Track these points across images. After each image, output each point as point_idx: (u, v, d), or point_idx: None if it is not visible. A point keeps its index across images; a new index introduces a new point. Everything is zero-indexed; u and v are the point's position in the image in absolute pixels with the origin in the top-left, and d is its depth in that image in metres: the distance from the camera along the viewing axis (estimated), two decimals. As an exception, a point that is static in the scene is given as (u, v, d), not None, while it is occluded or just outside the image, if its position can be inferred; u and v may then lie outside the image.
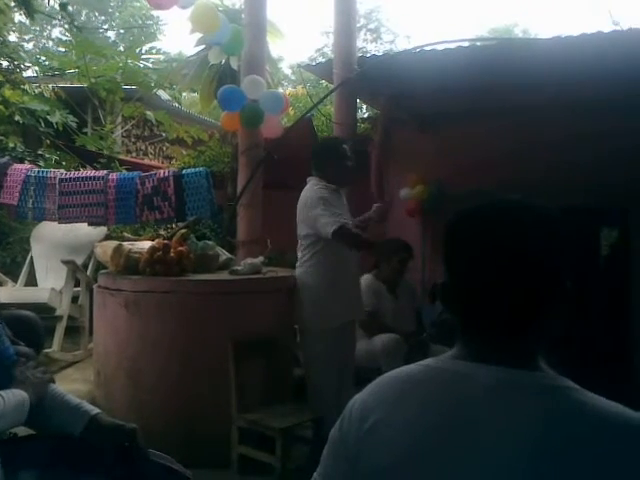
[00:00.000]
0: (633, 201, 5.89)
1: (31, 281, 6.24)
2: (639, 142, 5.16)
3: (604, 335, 6.29)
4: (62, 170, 6.09)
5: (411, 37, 28.07)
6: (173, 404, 3.75)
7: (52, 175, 5.47)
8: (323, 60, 9.26)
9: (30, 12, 6.60)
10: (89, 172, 5.89)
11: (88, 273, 6.05)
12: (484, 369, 0.97)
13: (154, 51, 10.17)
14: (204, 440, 3.62)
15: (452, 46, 5.17)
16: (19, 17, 9.20)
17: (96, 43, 9.81)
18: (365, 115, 9.63)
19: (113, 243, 4.45)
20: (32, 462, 1.68)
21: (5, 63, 8.37)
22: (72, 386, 4.70)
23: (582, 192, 5.59)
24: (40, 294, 5.61)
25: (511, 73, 4.90)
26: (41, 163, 7.45)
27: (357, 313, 4.02)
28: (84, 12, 25.85)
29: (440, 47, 5.17)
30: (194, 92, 11.41)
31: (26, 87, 8.18)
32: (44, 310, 5.18)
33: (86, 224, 5.52)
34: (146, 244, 4.28)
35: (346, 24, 5.87)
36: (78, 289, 5.97)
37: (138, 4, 24.52)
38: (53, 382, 1.88)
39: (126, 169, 7.19)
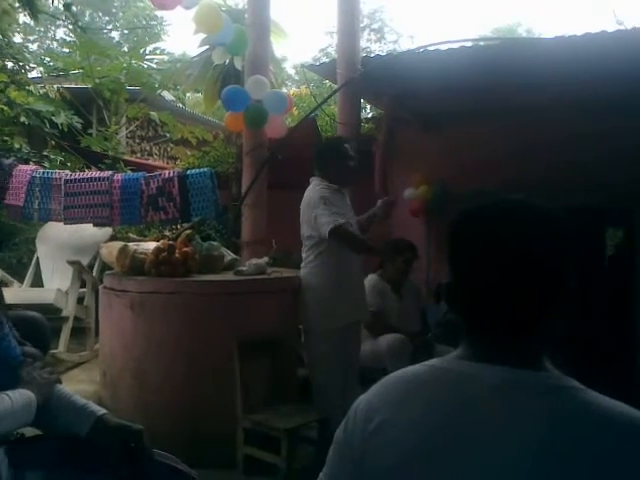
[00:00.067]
0: (638, 201, 5.87)
1: (37, 282, 6.26)
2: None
3: (608, 335, 6.27)
4: (67, 171, 6.11)
5: (414, 37, 28.15)
6: (178, 404, 3.76)
7: (57, 176, 5.48)
8: (327, 60, 9.25)
9: (34, 13, 6.64)
10: (94, 173, 5.91)
11: (94, 274, 6.07)
12: (489, 369, 0.97)
13: (158, 51, 10.17)
14: (209, 440, 3.63)
15: (455, 46, 5.18)
16: (23, 18, 9.25)
17: (100, 44, 9.81)
18: (369, 115, 9.66)
19: (118, 244, 4.46)
20: (39, 462, 1.69)
21: (10, 64, 8.41)
22: (78, 387, 4.71)
23: (587, 192, 5.57)
24: (46, 295, 5.63)
25: (515, 73, 4.89)
26: (46, 164, 7.46)
27: (362, 313, 4.02)
28: (88, 12, 25.87)
29: (443, 47, 5.17)
30: (198, 92, 11.45)
31: (31, 88, 8.22)
32: (50, 311, 5.20)
33: (91, 225, 5.53)
34: (151, 245, 4.29)
35: (350, 24, 5.88)
36: (84, 290, 5.98)
37: (142, 4, 24.54)
38: (59, 383, 1.89)
39: (131, 170, 7.20)
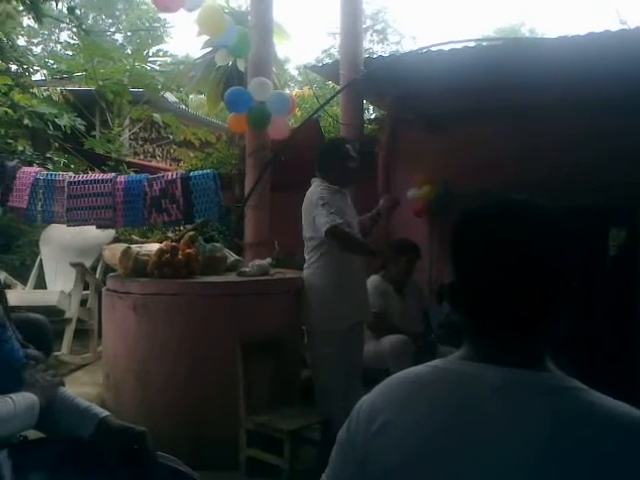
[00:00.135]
0: (641, 201, 5.86)
1: (40, 284, 6.27)
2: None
3: (611, 335, 6.25)
4: (70, 173, 6.11)
5: (417, 38, 28.17)
6: (181, 406, 3.76)
7: (61, 178, 5.48)
8: (329, 61, 9.26)
9: (38, 16, 6.66)
10: (97, 175, 5.91)
11: (97, 276, 6.08)
12: (492, 370, 0.97)
13: (161, 54, 10.19)
14: (212, 442, 3.63)
15: (458, 46, 5.17)
16: (28, 21, 9.28)
17: (103, 46, 9.83)
18: (372, 116, 9.64)
19: (121, 246, 4.46)
20: (42, 465, 1.69)
21: (14, 67, 8.43)
22: (81, 389, 4.71)
23: (590, 192, 5.56)
24: (49, 297, 5.64)
25: (517, 73, 4.89)
26: (50, 166, 7.47)
27: (365, 314, 4.02)
28: (91, 15, 25.98)
29: (446, 47, 5.17)
30: (201, 94, 11.45)
31: (35, 90, 8.22)
32: (53, 313, 5.21)
33: (94, 227, 5.53)
34: (154, 246, 4.29)
35: (352, 25, 5.88)
36: (87, 292, 5.99)
37: (145, 7, 24.62)
38: (63, 385, 1.88)
39: (134, 171, 7.21)
